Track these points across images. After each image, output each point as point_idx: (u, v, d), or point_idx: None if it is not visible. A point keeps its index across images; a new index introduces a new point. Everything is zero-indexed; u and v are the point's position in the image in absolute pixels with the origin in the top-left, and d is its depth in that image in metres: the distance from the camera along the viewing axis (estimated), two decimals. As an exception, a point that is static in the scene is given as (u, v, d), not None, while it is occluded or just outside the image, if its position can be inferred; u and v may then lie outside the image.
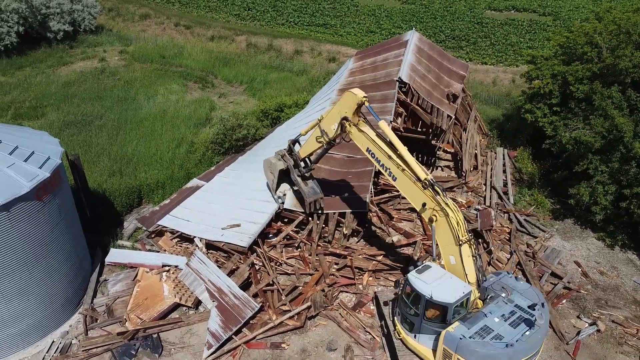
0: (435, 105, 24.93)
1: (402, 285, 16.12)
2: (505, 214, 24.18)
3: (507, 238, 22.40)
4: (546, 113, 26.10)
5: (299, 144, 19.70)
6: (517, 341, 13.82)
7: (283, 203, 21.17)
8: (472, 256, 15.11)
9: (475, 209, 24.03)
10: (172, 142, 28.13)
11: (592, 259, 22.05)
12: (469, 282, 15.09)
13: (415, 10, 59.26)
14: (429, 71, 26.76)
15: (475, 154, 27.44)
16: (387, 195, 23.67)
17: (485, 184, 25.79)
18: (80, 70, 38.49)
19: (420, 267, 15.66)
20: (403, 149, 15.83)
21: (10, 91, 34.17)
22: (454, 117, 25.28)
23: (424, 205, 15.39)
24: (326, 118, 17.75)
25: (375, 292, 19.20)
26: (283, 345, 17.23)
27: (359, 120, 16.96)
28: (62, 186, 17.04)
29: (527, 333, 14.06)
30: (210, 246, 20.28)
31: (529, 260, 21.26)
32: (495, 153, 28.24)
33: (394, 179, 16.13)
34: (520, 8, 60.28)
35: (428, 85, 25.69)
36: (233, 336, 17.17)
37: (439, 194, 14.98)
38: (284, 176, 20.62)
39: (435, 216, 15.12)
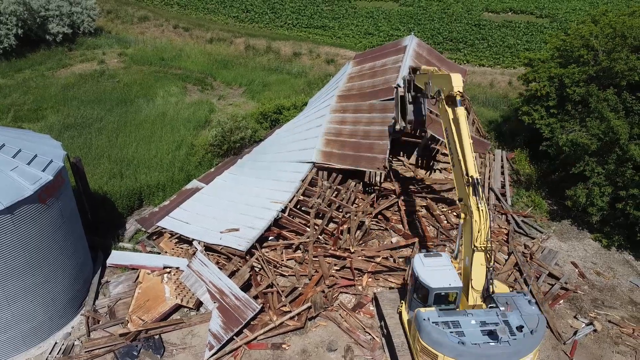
0: (433, 111, 25.10)
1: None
2: (503, 215, 24.39)
3: (505, 239, 22.62)
4: (543, 115, 26.34)
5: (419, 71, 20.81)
6: (472, 344, 13.87)
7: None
8: (485, 266, 15.13)
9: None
10: (172, 144, 28.27)
11: (589, 259, 22.29)
12: (473, 287, 15.27)
13: (413, 12, 59.55)
14: (427, 77, 26.94)
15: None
16: (386, 201, 23.87)
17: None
18: (80, 73, 38.60)
19: (431, 253, 16.39)
20: (467, 143, 15.99)
21: (9, 94, 34.27)
22: None
23: (460, 200, 16.08)
24: (434, 78, 18.20)
25: (374, 293, 19.43)
26: (284, 345, 17.41)
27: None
28: (64, 189, 17.21)
29: (491, 343, 13.96)
30: (209, 249, 20.46)
31: (527, 261, 21.50)
32: (494, 155, 28.47)
33: (453, 166, 16.80)
34: (517, 10, 60.65)
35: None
36: (234, 337, 17.34)
37: (477, 196, 15.11)
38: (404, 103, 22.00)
39: (465, 214, 15.59)
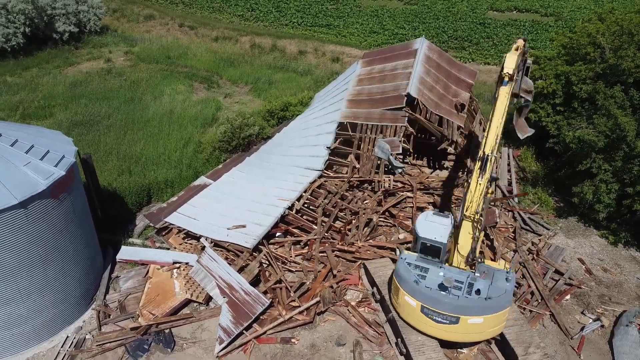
0: (444, 117, 25.25)
1: None
2: (510, 212, 24.46)
3: (513, 237, 22.69)
4: (549, 113, 26.38)
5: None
6: (425, 286, 16.03)
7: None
8: (472, 236, 16.20)
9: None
10: (179, 141, 28.45)
11: (596, 256, 22.35)
12: (458, 251, 16.60)
13: (418, 10, 59.53)
14: (438, 81, 26.86)
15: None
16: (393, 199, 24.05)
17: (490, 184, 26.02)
18: (87, 71, 38.81)
19: (440, 213, 17.62)
20: (495, 121, 17.34)
21: (18, 91, 34.49)
22: (462, 126, 25.64)
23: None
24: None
25: (363, 263, 20.31)
26: (293, 340, 17.57)
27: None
28: (76, 184, 17.40)
29: (441, 292, 15.90)
30: (216, 245, 20.62)
31: (532, 259, 21.57)
32: (500, 152, 28.53)
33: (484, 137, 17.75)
34: (522, 9, 60.51)
35: (436, 97, 25.83)
36: (244, 331, 17.50)
37: (481, 170, 16.31)
38: None
39: (468, 183, 16.75)
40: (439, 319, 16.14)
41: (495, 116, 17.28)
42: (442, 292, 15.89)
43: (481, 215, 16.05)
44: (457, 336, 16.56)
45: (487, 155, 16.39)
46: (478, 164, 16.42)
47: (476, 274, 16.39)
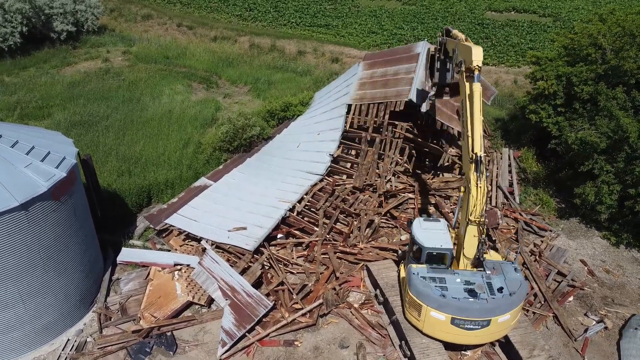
0: (444, 123, 25.16)
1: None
2: (512, 214, 24.37)
3: (515, 238, 22.64)
4: (551, 114, 26.32)
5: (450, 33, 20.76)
6: (452, 297, 15.52)
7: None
8: (477, 238, 16.27)
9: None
10: (179, 142, 28.23)
11: (598, 257, 22.33)
12: (464, 255, 16.57)
13: (416, 11, 59.54)
14: (440, 86, 26.80)
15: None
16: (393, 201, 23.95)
17: (490, 184, 26.01)
18: (85, 71, 38.53)
19: (431, 218, 17.79)
20: (477, 120, 16.45)
21: (15, 91, 34.18)
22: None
23: (463, 174, 17.21)
24: (460, 47, 18.30)
25: (366, 264, 20.18)
26: (296, 342, 17.45)
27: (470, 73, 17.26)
28: (76, 186, 17.22)
29: (470, 299, 15.51)
30: (217, 247, 20.46)
31: (535, 261, 21.53)
32: (501, 154, 28.49)
33: (462, 139, 17.39)
34: (520, 9, 60.63)
35: (438, 102, 25.76)
36: (246, 334, 17.37)
37: (478, 173, 15.93)
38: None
39: (465, 188, 16.51)
40: (471, 326, 15.69)
41: (476, 116, 16.38)
42: (471, 299, 15.53)
43: (483, 217, 16.04)
44: (488, 338, 16.37)
45: (480, 156, 16.02)
46: (472, 167, 15.98)
47: (487, 272, 16.34)
